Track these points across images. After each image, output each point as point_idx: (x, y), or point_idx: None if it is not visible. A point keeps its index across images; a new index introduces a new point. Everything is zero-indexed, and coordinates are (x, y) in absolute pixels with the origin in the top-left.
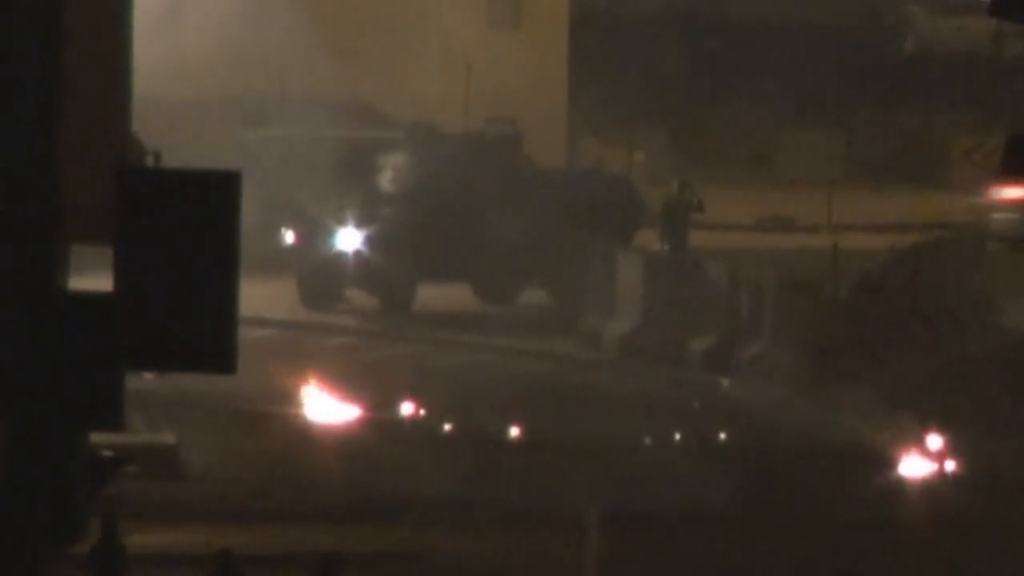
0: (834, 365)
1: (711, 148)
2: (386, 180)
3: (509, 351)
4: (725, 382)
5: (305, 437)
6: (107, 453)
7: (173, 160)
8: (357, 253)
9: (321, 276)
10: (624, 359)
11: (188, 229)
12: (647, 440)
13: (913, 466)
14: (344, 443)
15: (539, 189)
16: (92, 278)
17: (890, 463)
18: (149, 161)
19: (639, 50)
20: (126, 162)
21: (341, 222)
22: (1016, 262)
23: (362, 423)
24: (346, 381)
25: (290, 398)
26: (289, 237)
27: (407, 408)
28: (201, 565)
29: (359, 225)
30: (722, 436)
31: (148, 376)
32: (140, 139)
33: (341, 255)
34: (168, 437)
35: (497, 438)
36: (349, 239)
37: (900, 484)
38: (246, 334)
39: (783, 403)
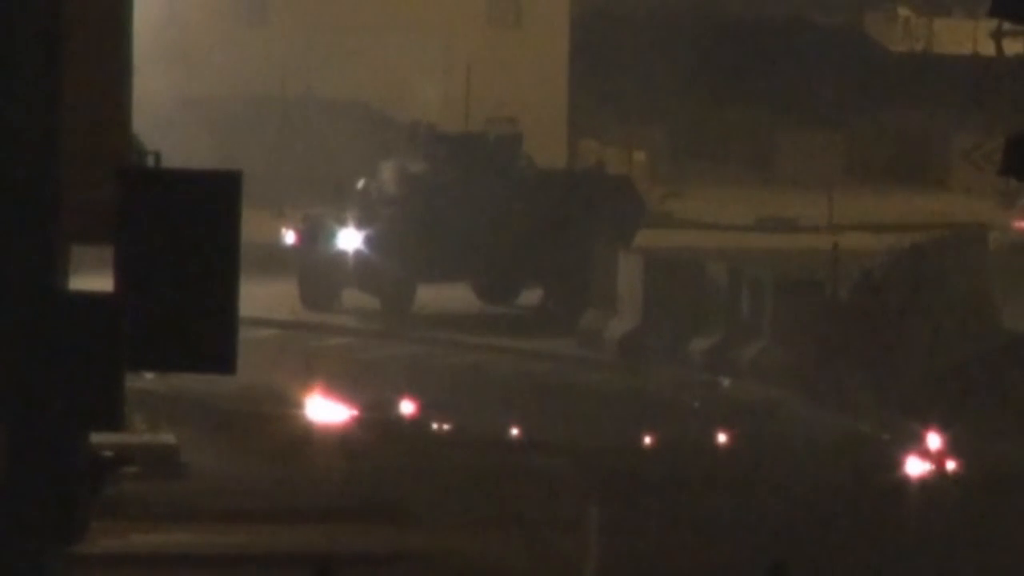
0: (834, 365)
1: (711, 148)
2: (386, 180)
3: (509, 351)
4: (725, 382)
5: (305, 437)
6: (107, 453)
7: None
8: (357, 253)
9: (321, 276)
10: (624, 359)
11: (188, 229)
12: (647, 440)
13: (913, 466)
14: (344, 443)
15: (539, 189)
16: (92, 278)
17: (890, 463)
18: (149, 161)
19: (639, 50)
20: (126, 162)
21: (341, 222)
22: (1016, 262)
23: (362, 423)
24: (346, 381)
25: (290, 398)
26: (289, 237)
27: (407, 408)
28: (201, 565)
29: (359, 225)
30: (722, 436)
31: (148, 376)
32: (140, 139)
33: (341, 255)
34: (168, 437)
35: (497, 438)
36: (349, 239)
37: (900, 484)
38: (246, 334)
39: (783, 403)
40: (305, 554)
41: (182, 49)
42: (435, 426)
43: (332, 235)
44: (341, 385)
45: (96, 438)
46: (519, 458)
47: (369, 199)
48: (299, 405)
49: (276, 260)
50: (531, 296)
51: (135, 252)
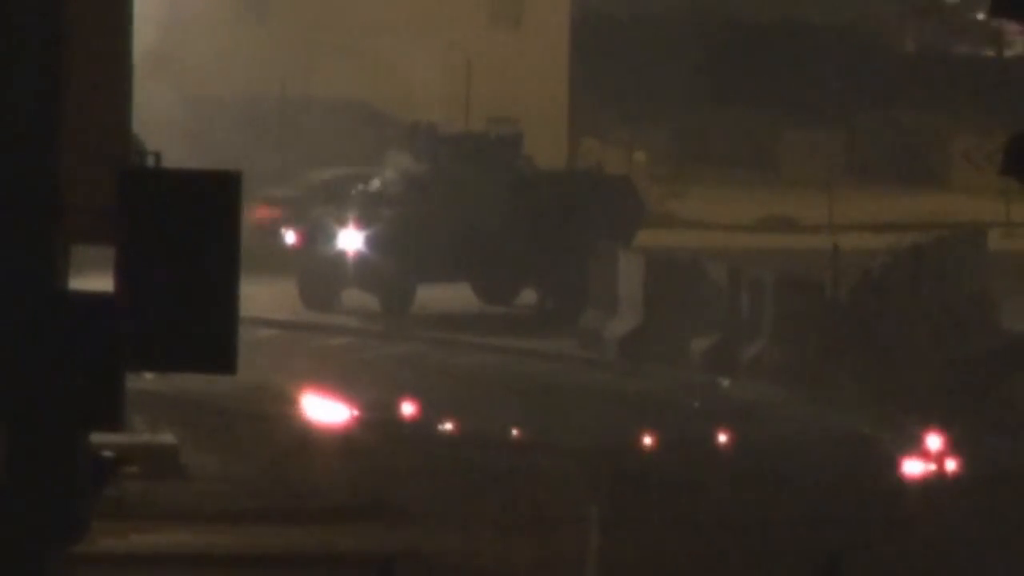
0: (834, 365)
1: (712, 148)
2: (386, 180)
3: (509, 351)
4: (725, 382)
5: (305, 437)
6: (107, 453)
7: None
8: (357, 253)
9: (321, 276)
10: (624, 359)
11: (188, 229)
12: (647, 440)
13: (913, 466)
14: (344, 443)
15: (539, 189)
16: (92, 278)
17: (890, 463)
18: (149, 161)
19: (639, 50)
20: (126, 162)
21: (341, 222)
22: (1016, 262)
23: (362, 423)
24: (346, 381)
25: (290, 398)
26: (290, 237)
27: (407, 408)
28: (201, 565)
29: (359, 225)
30: (722, 436)
31: (148, 376)
32: (140, 139)
33: (341, 255)
34: (168, 437)
35: (497, 438)
36: (349, 239)
37: (900, 484)
38: (246, 334)
39: (783, 403)
40: (305, 554)
41: (182, 49)
42: (435, 426)
43: (332, 235)
44: (341, 385)
45: (96, 438)
46: (519, 458)
47: (369, 199)
48: (299, 405)
49: (276, 260)
50: (531, 296)
51: (135, 252)
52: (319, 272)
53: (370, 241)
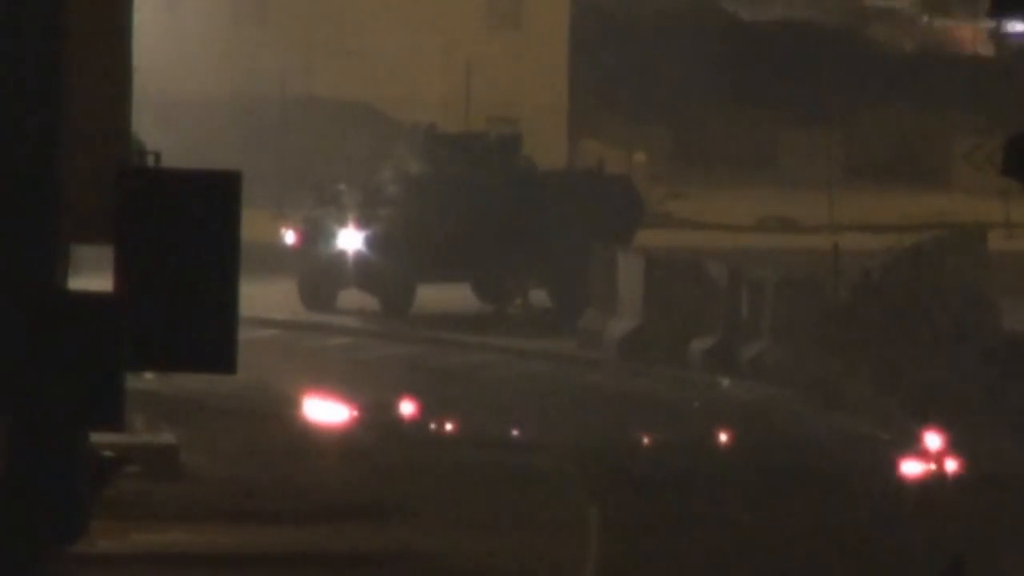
0: (834, 365)
1: (712, 148)
2: (386, 180)
3: (509, 351)
4: (725, 382)
5: (305, 437)
6: (107, 453)
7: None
8: (357, 253)
9: (321, 276)
10: (624, 359)
11: (188, 229)
12: (647, 440)
13: (913, 466)
14: (344, 443)
15: (539, 189)
16: (92, 278)
17: (889, 463)
18: (149, 161)
19: (639, 50)
20: (126, 162)
21: (341, 222)
22: (1016, 262)
23: (361, 423)
24: (346, 381)
25: (290, 398)
26: (289, 237)
27: (407, 408)
28: (201, 565)
29: (359, 225)
30: (722, 436)
31: (148, 376)
32: (140, 139)
33: (341, 255)
34: (168, 437)
35: (496, 438)
36: (349, 239)
37: (899, 484)
38: (246, 334)
39: (783, 403)
40: (305, 554)
41: (182, 49)
42: (435, 426)
43: (332, 235)
44: (341, 385)
45: (96, 438)
46: (519, 458)
47: (369, 199)
48: (299, 405)
49: (276, 260)
50: (531, 296)
51: (135, 252)
52: (319, 272)
53: (370, 241)
